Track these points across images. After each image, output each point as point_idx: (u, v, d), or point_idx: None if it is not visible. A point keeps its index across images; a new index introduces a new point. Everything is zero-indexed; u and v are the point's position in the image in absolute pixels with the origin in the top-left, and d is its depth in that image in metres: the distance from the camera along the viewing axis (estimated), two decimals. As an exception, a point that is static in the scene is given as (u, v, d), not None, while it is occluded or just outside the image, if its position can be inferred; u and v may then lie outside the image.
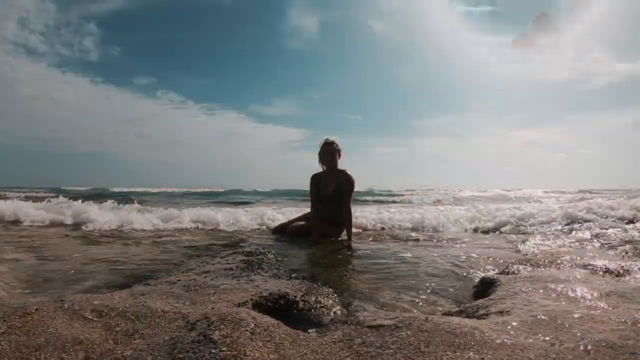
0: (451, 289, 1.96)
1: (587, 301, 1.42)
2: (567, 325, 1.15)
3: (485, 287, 1.81)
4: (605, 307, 1.35)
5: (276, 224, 4.47)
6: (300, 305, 1.54)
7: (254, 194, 18.13)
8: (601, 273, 1.93)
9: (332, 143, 3.77)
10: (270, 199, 13.73)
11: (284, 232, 4.10)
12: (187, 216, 5.09)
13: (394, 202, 13.47)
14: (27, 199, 7.03)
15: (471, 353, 0.98)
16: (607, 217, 5.01)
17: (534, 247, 3.11)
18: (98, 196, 14.62)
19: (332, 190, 3.73)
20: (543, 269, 2.08)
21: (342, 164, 3.84)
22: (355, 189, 3.82)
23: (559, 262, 2.26)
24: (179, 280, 1.83)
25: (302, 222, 4.01)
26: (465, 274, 2.27)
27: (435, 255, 2.88)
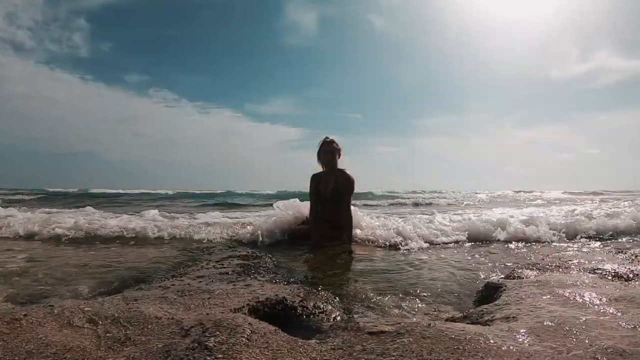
0: (455, 294, 1.96)
1: (596, 306, 1.43)
2: (574, 332, 1.16)
3: (490, 292, 1.82)
4: (614, 312, 1.35)
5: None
6: (299, 310, 1.55)
7: (247, 197, 18.05)
8: (610, 277, 1.93)
9: (332, 142, 3.77)
10: (264, 202, 13.66)
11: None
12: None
13: (430, 204, 13.26)
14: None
15: (475, 360, 0.98)
16: None
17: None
18: (80, 197, 14.53)
19: (330, 191, 3.73)
20: (550, 273, 2.08)
21: (342, 163, 3.84)
22: (356, 190, 3.82)
23: (566, 266, 2.27)
24: (172, 285, 1.83)
25: (302, 225, 4.00)
26: (469, 278, 2.28)
27: (439, 259, 2.88)
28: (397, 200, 14.96)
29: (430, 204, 13.69)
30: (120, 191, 20.81)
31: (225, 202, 13.60)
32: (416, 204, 13.35)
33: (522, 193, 23.24)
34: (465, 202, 14.47)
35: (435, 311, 1.71)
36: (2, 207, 5.81)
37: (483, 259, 2.88)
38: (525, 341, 1.10)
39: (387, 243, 3.60)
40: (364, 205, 11.78)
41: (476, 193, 22.44)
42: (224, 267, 2.26)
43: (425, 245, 3.64)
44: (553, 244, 3.70)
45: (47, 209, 6.48)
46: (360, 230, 3.99)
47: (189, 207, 10.42)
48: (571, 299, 1.53)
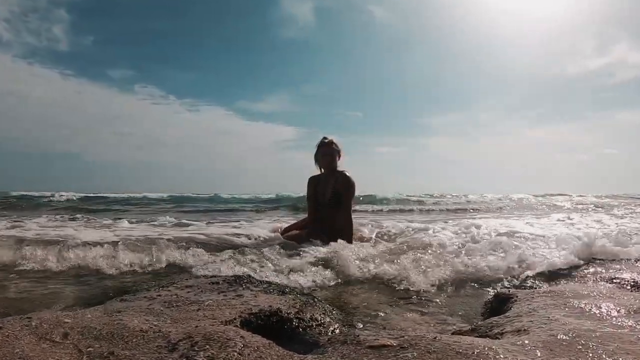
0: (462, 305, 1.96)
1: (613, 319, 1.43)
2: (590, 346, 1.16)
3: (500, 303, 1.82)
4: (634, 325, 1.35)
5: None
6: (295, 323, 1.54)
7: (244, 201, 17.90)
8: (629, 287, 1.94)
9: (331, 143, 3.78)
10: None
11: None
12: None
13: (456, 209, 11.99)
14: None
15: (484, 377, 0.98)
16: None
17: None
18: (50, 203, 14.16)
19: (330, 194, 3.73)
20: (564, 283, 2.09)
21: (342, 164, 3.85)
22: (357, 193, 3.83)
23: (581, 275, 2.28)
24: (158, 295, 1.83)
25: (297, 231, 4.00)
26: (478, 288, 2.28)
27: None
28: (426, 207, 13.83)
29: (456, 209, 12.84)
30: (103, 194, 20.47)
31: (220, 207, 13.47)
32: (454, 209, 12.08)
33: (551, 197, 22.44)
34: (504, 207, 13.62)
35: (441, 323, 1.71)
36: None
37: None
38: (538, 356, 1.10)
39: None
40: (398, 211, 11.21)
41: (508, 197, 21.35)
42: (214, 277, 2.26)
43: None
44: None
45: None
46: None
47: (179, 213, 10.35)
48: (587, 310, 1.53)
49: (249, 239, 3.92)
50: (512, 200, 18.01)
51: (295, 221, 4.65)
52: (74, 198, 16.44)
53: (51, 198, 15.66)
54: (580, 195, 23.12)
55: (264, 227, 4.98)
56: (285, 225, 4.50)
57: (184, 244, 3.48)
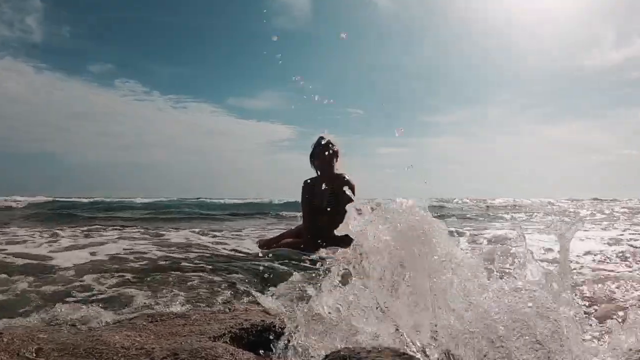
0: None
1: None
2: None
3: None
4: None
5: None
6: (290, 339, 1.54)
7: (246, 206, 17.80)
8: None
9: (328, 143, 3.78)
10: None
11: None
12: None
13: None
14: None
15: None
16: None
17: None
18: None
19: (327, 199, 3.73)
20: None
21: (340, 167, 3.85)
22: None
23: (611, 297, 2.26)
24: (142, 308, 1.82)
25: (291, 240, 4.00)
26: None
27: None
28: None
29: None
30: (76, 199, 20.34)
31: (205, 214, 13.42)
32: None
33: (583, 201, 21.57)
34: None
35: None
36: None
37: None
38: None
39: None
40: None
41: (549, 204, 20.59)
42: (202, 288, 2.25)
43: None
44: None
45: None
46: None
47: (160, 222, 10.22)
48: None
49: (236, 252, 3.89)
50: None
51: (286, 229, 4.65)
52: (30, 204, 16.19)
53: (12, 203, 15.43)
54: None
55: (251, 237, 4.98)
56: (271, 236, 4.50)
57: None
